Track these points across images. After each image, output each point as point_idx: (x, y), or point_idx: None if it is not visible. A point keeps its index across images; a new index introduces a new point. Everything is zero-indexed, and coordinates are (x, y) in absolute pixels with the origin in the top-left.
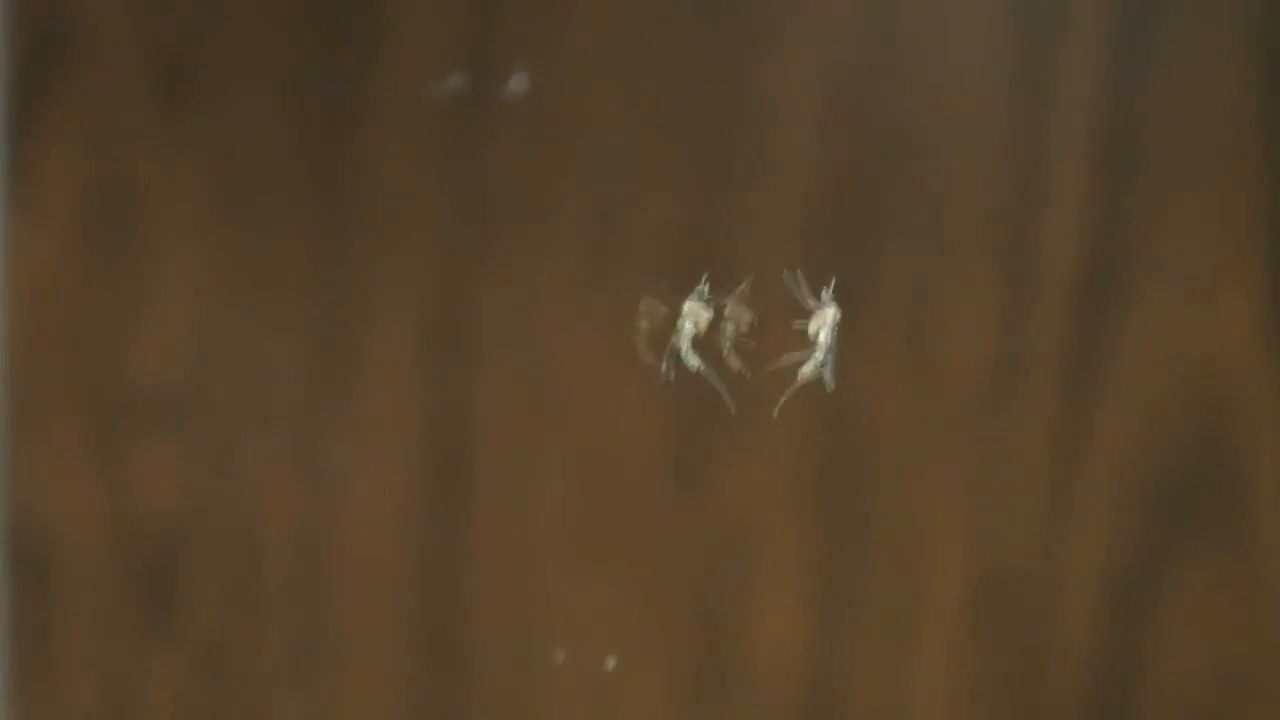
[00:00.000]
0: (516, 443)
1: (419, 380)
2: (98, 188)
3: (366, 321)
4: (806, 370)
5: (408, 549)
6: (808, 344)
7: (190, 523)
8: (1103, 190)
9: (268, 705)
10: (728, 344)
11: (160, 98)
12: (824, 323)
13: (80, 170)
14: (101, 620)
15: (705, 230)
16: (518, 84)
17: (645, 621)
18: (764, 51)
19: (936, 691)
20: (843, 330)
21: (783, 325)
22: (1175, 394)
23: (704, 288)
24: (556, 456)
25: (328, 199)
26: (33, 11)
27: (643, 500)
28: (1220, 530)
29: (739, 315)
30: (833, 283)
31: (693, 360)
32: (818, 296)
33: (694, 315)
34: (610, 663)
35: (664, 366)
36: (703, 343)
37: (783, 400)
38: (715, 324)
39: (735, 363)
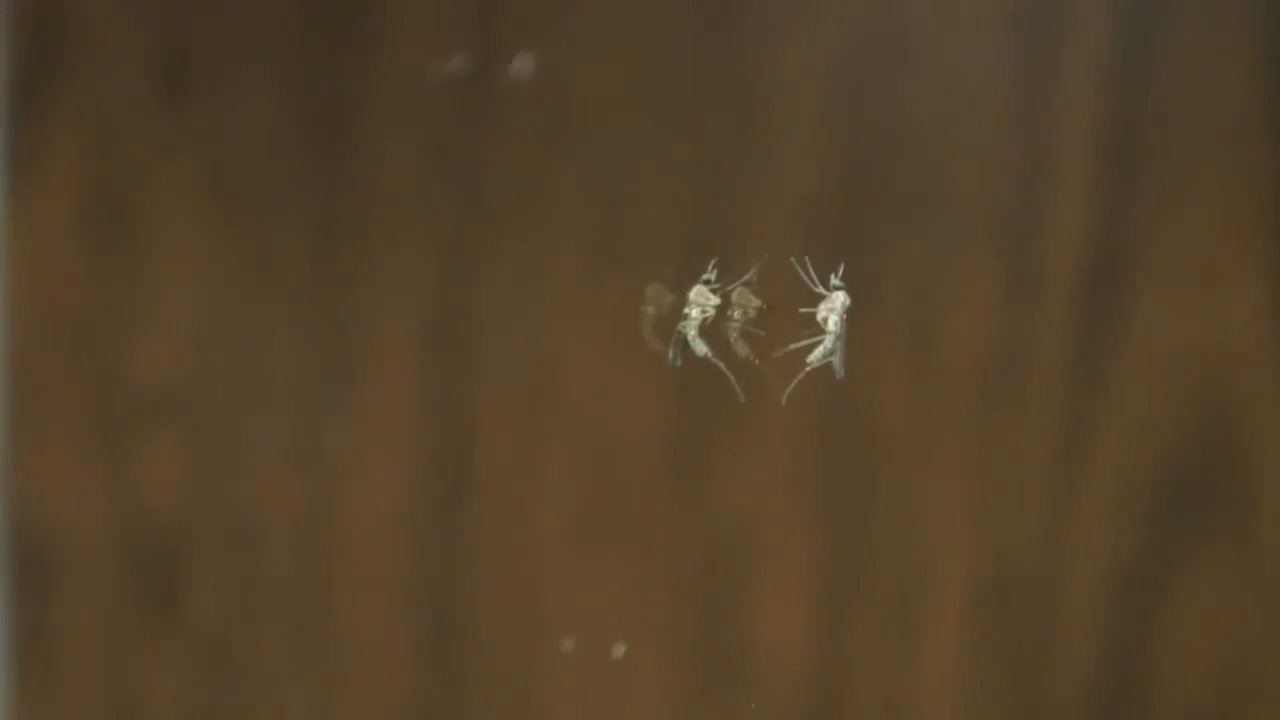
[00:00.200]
0: (521, 433)
1: (423, 372)
2: (98, 182)
3: (369, 314)
4: (815, 357)
5: (412, 543)
6: (815, 330)
7: (193, 520)
8: (1108, 185)
9: (272, 702)
10: (735, 331)
11: (159, 91)
12: (833, 308)
13: (80, 164)
14: (105, 618)
15: (712, 216)
16: (522, 65)
17: (651, 611)
18: (772, 37)
19: (942, 684)
20: (850, 319)
21: (790, 311)
22: (1181, 390)
23: (711, 274)
24: (562, 446)
25: (329, 191)
26: (32, 5)
27: (649, 489)
28: (1226, 527)
29: (746, 301)
30: (841, 268)
31: (700, 347)
32: (825, 283)
33: (701, 302)
34: (618, 651)
35: (671, 353)
36: (710, 329)
37: (790, 387)
38: (722, 310)
39: (743, 349)
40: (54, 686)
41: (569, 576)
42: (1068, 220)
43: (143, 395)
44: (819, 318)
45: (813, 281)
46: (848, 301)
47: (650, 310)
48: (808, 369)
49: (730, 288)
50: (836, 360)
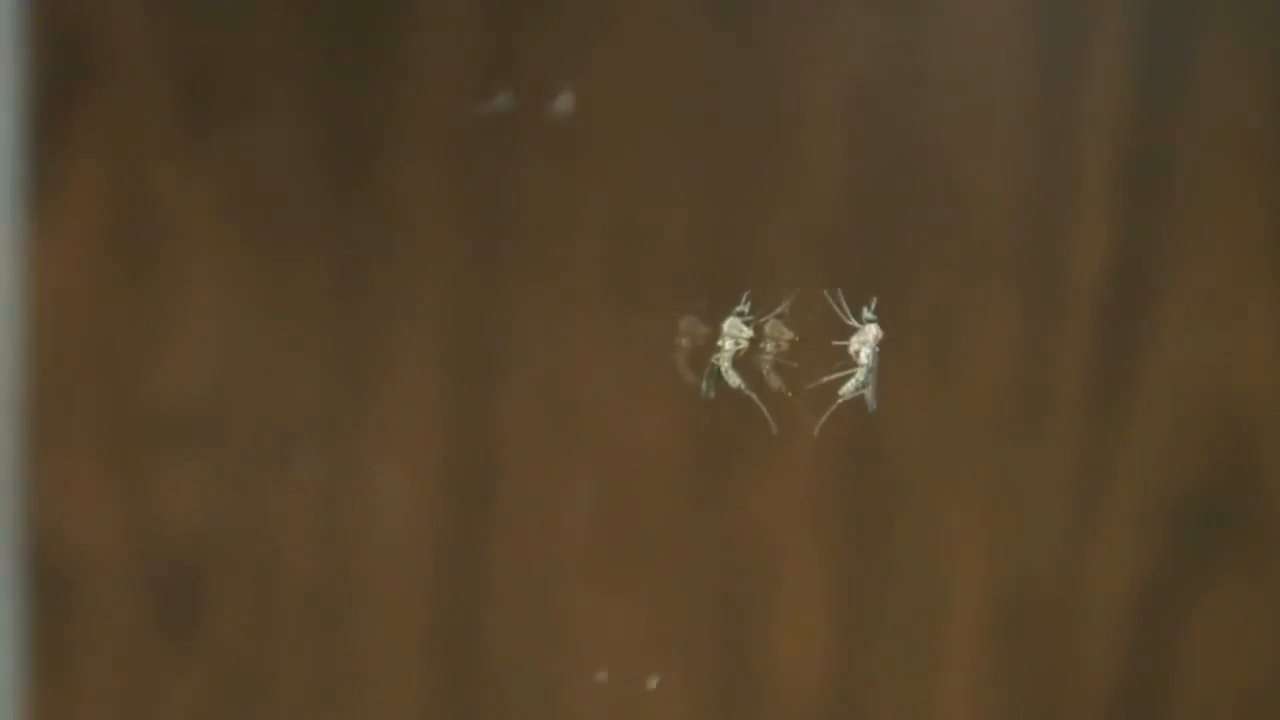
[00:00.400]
0: (547, 464)
1: (447, 397)
2: (121, 203)
3: (393, 339)
4: (847, 389)
5: (434, 567)
6: (848, 363)
7: (213, 541)
8: (1131, 211)
9: None
10: (768, 363)
11: (184, 113)
12: (866, 341)
13: (103, 186)
14: (123, 639)
15: (743, 249)
16: (564, 104)
17: (677, 639)
18: (798, 69)
19: (961, 709)
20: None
21: (823, 344)
22: (1203, 413)
23: (744, 306)
24: (588, 475)
25: (354, 216)
26: (56, 27)
27: (676, 518)
28: (1247, 550)
29: (779, 334)
30: (874, 301)
31: (734, 379)
32: (858, 315)
33: (735, 334)
34: (653, 682)
35: (704, 385)
36: (743, 361)
37: (823, 419)
38: (755, 343)
39: (775, 381)
40: (73, 707)
41: (593, 605)
42: (1091, 247)
43: (164, 416)
44: (851, 350)
45: (845, 314)
46: (880, 334)
47: (684, 342)
48: (840, 401)
49: (763, 320)
50: (869, 393)
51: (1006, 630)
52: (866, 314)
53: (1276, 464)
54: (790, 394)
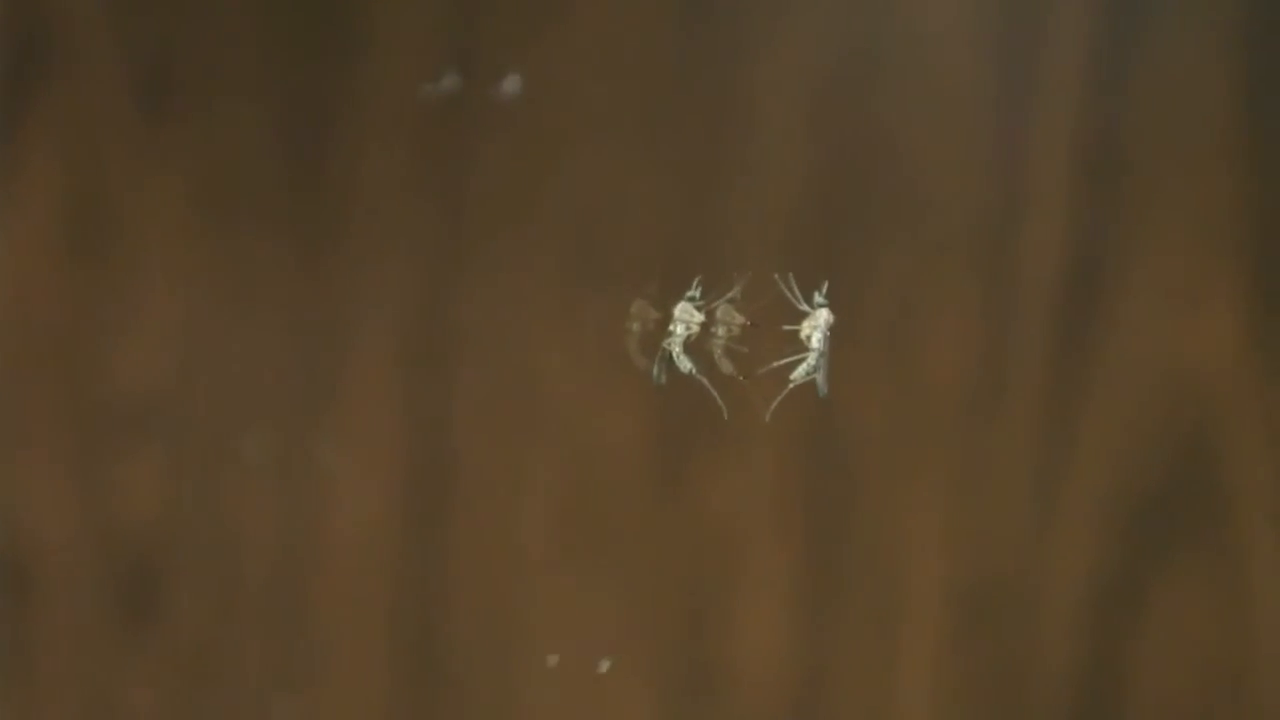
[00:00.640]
0: (504, 448)
1: (405, 386)
2: (79, 195)
3: (351, 327)
4: (798, 374)
5: (393, 556)
6: (799, 347)
7: (172, 533)
8: (1086, 201)
9: (251, 715)
10: (719, 347)
11: (142, 105)
12: (816, 325)
13: (62, 176)
14: (83, 630)
15: (695, 233)
16: (511, 85)
17: (634, 625)
18: (754, 54)
19: (922, 696)
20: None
21: (774, 328)
22: (1159, 402)
23: (696, 291)
24: (545, 461)
25: (311, 205)
26: (13, 20)
27: (632, 504)
28: (1204, 539)
29: (730, 318)
30: (825, 286)
31: (685, 364)
32: (809, 300)
33: (686, 318)
34: (604, 665)
35: (655, 370)
36: (694, 346)
37: (774, 404)
38: (706, 327)
39: (727, 366)
40: (32, 699)
41: (551, 591)
42: (1046, 237)
43: (123, 408)
44: (802, 335)
45: (796, 298)
46: (831, 319)
47: (635, 327)
48: (791, 386)
49: (715, 304)
50: (820, 377)
51: (967, 618)
52: (818, 298)
53: (1233, 456)
54: (742, 379)
